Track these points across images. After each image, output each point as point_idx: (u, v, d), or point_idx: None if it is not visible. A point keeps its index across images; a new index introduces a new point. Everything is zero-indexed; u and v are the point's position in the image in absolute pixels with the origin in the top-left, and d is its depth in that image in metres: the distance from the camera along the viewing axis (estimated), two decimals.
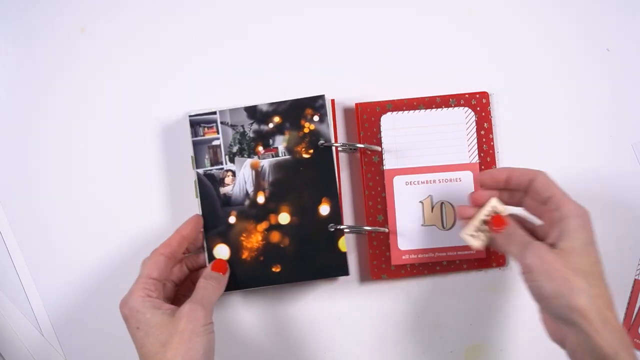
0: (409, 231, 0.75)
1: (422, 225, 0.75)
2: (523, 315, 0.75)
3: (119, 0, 0.80)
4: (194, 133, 0.75)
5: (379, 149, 0.75)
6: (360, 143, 0.75)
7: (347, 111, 0.77)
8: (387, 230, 0.74)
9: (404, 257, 0.74)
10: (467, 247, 0.74)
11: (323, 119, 0.74)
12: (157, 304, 0.65)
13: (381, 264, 0.75)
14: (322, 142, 0.73)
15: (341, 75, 0.78)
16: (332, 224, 0.73)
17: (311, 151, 0.74)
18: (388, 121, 0.75)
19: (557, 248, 0.59)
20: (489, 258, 0.75)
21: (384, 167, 0.75)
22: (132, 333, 0.65)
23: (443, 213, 0.74)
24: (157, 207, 0.78)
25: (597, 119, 0.77)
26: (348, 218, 0.77)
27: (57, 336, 0.78)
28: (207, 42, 0.79)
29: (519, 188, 0.65)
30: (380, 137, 0.75)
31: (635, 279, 0.75)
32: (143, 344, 0.63)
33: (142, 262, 0.69)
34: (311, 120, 0.74)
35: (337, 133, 0.76)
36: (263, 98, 0.76)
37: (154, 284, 0.67)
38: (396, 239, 0.74)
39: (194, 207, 0.74)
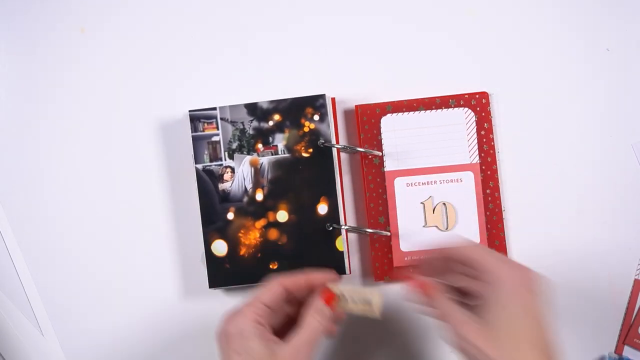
0: (411, 233, 0.75)
1: (424, 226, 0.75)
2: None
3: (119, 0, 0.80)
4: (194, 128, 0.75)
5: (380, 153, 0.75)
6: (360, 146, 0.75)
7: (347, 113, 0.77)
8: (388, 233, 0.74)
9: (406, 259, 0.74)
10: None
11: (323, 118, 0.74)
12: (263, 334, 0.61)
13: (384, 265, 0.75)
14: (322, 141, 0.73)
15: (341, 76, 0.78)
16: (329, 223, 0.73)
17: (311, 150, 0.74)
18: (388, 123, 0.75)
19: (486, 323, 0.56)
20: None
21: (385, 169, 0.75)
22: (227, 355, 0.60)
23: (444, 214, 0.74)
24: (157, 204, 0.78)
25: (597, 119, 0.77)
26: (350, 219, 0.77)
27: (57, 336, 0.78)
28: (208, 40, 0.79)
29: (457, 265, 0.62)
30: (381, 139, 0.75)
31: (635, 279, 0.75)
32: None
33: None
34: (311, 120, 0.74)
35: (338, 134, 0.76)
36: (263, 97, 0.76)
37: (265, 311, 0.62)
38: (398, 241, 0.74)
39: (195, 205, 0.75)
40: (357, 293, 0.65)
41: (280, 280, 0.64)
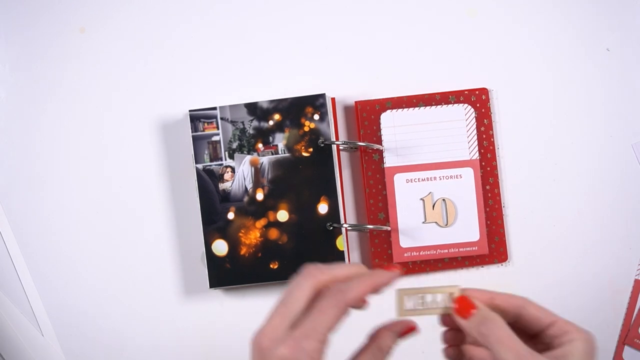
0: (410, 229, 0.75)
1: (423, 222, 0.75)
2: None
3: (119, 0, 0.80)
4: (194, 128, 0.75)
5: (380, 147, 0.75)
6: (360, 141, 0.75)
7: (347, 109, 0.78)
8: (389, 228, 0.74)
9: (405, 255, 0.74)
10: (469, 244, 0.74)
11: (323, 117, 0.74)
12: None
13: (383, 262, 0.75)
14: (321, 140, 0.74)
15: (341, 73, 0.78)
16: (330, 223, 0.73)
17: (311, 150, 0.74)
18: (388, 119, 0.75)
19: None
20: (491, 254, 0.75)
21: (385, 165, 0.75)
22: None
23: (443, 210, 0.74)
24: (157, 204, 0.78)
25: (597, 119, 0.77)
26: (350, 216, 0.77)
27: (57, 336, 0.78)
28: (208, 40, 0.79)
29: (503, 317, 0.54)
30: (381, 135, 0.75)
31: (635, 279, 0.75)
32: None
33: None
34: (311, 119, 0.74)
35: (338, 133, 0.76)
36: (263, 96, 0.76)
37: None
38: (398, 236, 0.75)
39: (195, 205, 0.75)
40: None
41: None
